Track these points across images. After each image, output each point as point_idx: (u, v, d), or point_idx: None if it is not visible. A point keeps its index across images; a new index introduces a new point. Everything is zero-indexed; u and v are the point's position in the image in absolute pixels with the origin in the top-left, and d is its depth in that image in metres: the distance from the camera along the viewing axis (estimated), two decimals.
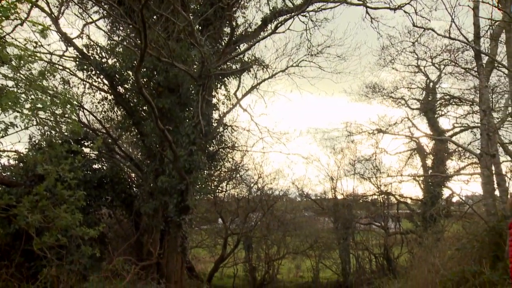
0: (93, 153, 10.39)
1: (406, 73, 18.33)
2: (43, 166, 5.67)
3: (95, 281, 7.26)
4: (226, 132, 13.53)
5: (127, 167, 11.36)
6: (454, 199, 19.13)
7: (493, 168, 9.36)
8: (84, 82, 10.49)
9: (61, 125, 6.46)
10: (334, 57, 13.88)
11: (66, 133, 7.85)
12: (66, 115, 6.04)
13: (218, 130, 12.14)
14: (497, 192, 9.46)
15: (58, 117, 6.05)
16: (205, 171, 11.12)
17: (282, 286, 22.52)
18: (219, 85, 11.27)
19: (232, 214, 20.53)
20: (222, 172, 17.28)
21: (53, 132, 7.69)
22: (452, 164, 19.69)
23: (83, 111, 11.32)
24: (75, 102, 6.36)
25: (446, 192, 18.99)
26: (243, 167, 18.76)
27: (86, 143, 9.74)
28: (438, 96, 18.91)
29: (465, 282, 8.70)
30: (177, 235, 9.46)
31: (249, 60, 12.30)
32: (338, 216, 22.92)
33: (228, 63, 11.31)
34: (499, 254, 8.47)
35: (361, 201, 23.78)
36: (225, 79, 11.55)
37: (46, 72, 5.69)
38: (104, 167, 10.49)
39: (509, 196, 4.78)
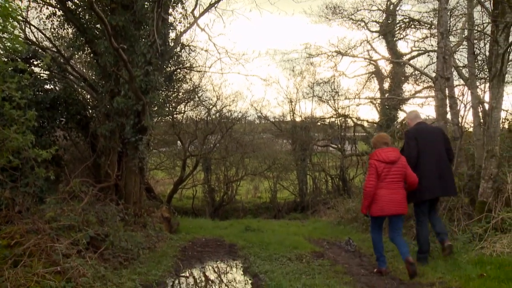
0: (44, 73, 9.91)
1: None
2: None
3: (52, 203, 7.19)
4: (183, 52, 13.17)
5: (81, 87, 10.94)
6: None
7: (446, 91, 9.58)
8: None
9: (4, 41, 6.05)
10: None
11: (11, 50, 7.38)
12: (8, 30, 5.63)
13: (175, 50, 11.76)
14: (449, 116, 9.76)
15: (0, 32, 5.64)
16: (163, 92, 10.88)
17: (241, 206, 23.16)
18: (175, 3, 10.76)
19: (191, 136, 20.53)
20: (180, 94, 17.04)
21: None
22: (408, 88, 20.11)
23: (29, 28, 10.66)
24: (19, 17, 5.92)
25: (401, 115, 19.51)
26: (201, 88, 18.56)
27: (35, 62, 9.26)
28: (398, 18, 18.88)
29: None
30: (134, 157, 9.38)
31: None
32: (296, 138, 23.35)
33: None
34: None
35: (319, 123, 24.20)
36: None
37: None
38: (57, 88, 10.08)
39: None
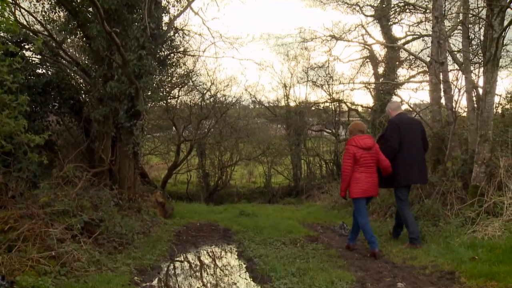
0: (35, 57, 9.80)
1: None
2: None
3: (46, 188, 7.18)
4: (177, 36, 13.06)
5: (74, 72, 10.84)
6: (403, 107, 19.68)
7: (441, 76, 9.57)
8: None
9: None
10: None
11: (2, 34, 7.27)
12: None
13: (168, 34, 11.65)
14: (443, 100, 9.77)
15: None
16: (156, 77, 10.79)
17: (235, 191, 23.18)
18: None
19: (185, 121, 20.47)
20: (173, 78, 16.94)
21: None
22: (402, 72, 20.04)
23: (20, 10, 10.51)
24: None
25: (395, 100, 19.45)
26: (195, 73, 18.44)
27: (26, 46, 9.15)
28: (393, 2, 18.73)
29: None
30: (128, 142, 9.34)
31: None
32: (291, 123, 23.30)
33: None
34: (440, 158, 8.94)
35: (313, 108, 24.15)
36: None
37: None
38: (49, 72, 9.96)
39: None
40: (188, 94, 20.18)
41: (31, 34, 9.66)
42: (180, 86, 18.65)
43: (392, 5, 18.46)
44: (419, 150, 6.90)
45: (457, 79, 10.18)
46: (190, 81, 18.53)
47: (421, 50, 17.48)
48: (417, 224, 6.90)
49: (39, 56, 9.86)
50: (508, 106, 10.01)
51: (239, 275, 6.16)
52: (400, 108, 7.40)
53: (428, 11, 14.78)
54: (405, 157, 6.76)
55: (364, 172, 6.60)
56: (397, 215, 7.22)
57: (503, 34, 6.93)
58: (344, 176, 6.71)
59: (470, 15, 9.58)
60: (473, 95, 8.74)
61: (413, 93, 20.17)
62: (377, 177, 6.74)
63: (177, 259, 7.08)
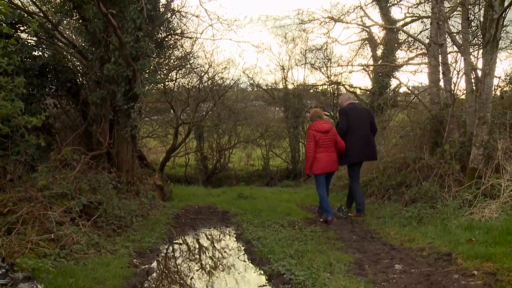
0: (31, 39, 9.69)
1: None
2: None
3: (44, 171, 7.16)
4: (174, 18, 12.92)
5: (71, 54, 10.71)
6: (401, 90, 19.62)
7: (440, 58, 9.52)
8: None
9: None
10: None
11: None
12: None
13: (165, 16, 11.53)
14: (441, 82, 9.72)
15: None
16: (154, 59, 10.70)
17: (233, 174, 23.23)
18: None
19: (183, 104, 20.37)
20: (171, 61, 16.82)
21: None
22: (401, 54, 19.93)
23: None
24: None
25: (394, 83, 19.39)
26: (193, 55, 18.29)
27: (21, 28, 9.04)
28: None
29: (406, 167, 9.23)
30: (126, 125, 9.30)
31: None
32: (289, 105, 23.25)
33: None
34: (438, 140, 8.95)
35: (311, 91, 24.05)
36: None
37: None
38: (46, 55, 9.85)
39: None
40: (186, 76, 20.03)
41: (26, 15, 9.52)
42: (178, 68, 18.51)
43: None
44: (367, 132, 8.17)
45: (456, 61, 10.12)
46: (188, 63, 18.38)
47: (420, 32, 17.39)
48: (363, 197, 8.52)
49: (35, 38, 9.74)
50: (507, 88, 9.97)
51: (238, 257, 6.20)
52: (351, 99, 8.81)
53: None
54: (354, 139, 8.04)
55: (322, 152, 7.75)
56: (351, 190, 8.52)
57: (503, 15, 6.86)
58: (307, 156, 7.84)
59: None
60: (472, 77, 8.68)
61: (411, 75, 20.11)
62: (335, 155, 7.93)
63: (176, 241, 7.12)
